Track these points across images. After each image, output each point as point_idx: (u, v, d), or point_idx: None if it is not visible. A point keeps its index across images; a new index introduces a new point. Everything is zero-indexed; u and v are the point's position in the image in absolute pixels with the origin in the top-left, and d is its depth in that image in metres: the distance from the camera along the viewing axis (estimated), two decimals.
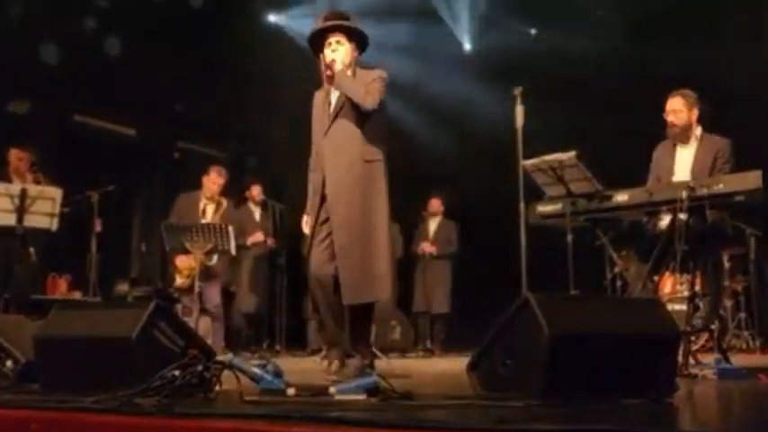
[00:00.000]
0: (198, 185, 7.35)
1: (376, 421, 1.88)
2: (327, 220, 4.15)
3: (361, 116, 4.19)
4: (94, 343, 2.81)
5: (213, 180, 7.19)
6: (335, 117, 4.22)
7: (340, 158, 4.16)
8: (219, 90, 9.28)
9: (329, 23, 4.26)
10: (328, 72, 4.17)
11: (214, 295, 7.03)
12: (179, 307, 6.96)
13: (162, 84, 8.80)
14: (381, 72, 4.26)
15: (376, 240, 4.11)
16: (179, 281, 6.84)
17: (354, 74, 4.26)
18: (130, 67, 8.52)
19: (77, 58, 8.29)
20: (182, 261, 6.84)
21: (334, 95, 4.30)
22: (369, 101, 4.13)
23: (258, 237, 8.24)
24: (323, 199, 4.18)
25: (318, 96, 4.42)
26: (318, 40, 4.28)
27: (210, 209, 7.16)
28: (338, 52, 4.21)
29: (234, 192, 8.13)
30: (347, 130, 4.20)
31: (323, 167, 4.19)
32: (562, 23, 9.63)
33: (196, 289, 6.56)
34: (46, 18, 7.95)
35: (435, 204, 8.92)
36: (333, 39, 4.23)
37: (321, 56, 4.26)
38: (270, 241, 8.35)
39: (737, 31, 8.38)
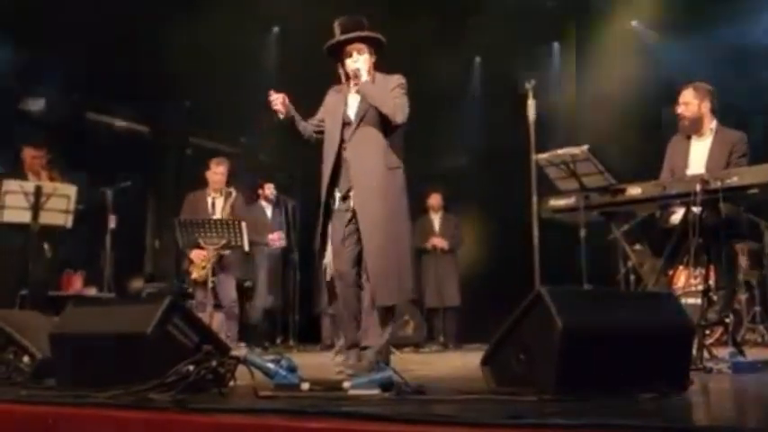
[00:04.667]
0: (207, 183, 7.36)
1: (390, 416, 1.89)
2: (350, 220, 4.23)
3: (384, 125, 4.26)
4: (109, 339, 2.83)
5: (213, 171, 7.16)
6: (358, 125, 4.28)
7: (365, 167, 4.23)
8: (230, 86, 9.29)
9: (351, 35, 4.31)
10: (354, 81, 4.27)
11: (230, 290, 7.02)
12: (193, 302, 6.99)
13: (174, 80, 8.82)
14: (401, 78, 4.34)
15: (402, 246, 4.26)
16: (195, 274, 6.84)
17: (374, 79, 4.33)
18: (141, 64, 8.55)
19: (91, 56, 8.32)
20: (196, 254, 6.85)
21: (353, 100, 4.36)
22: (399, 115, 4.23)
23: (275, 237, 8.28)
24: (338, 196, 4.25)
25: (333, 96, 4.47)
26: (336, 46, 4.36)
27: (219, 202, 7.13)
28: (359, 62, 4.29)
29: (246, 187, 8.14)
30: (371, 138, 4.26)
31: (347, 175, 4.25)
32: None
33: (209, 284, 6.57)
34: (55, 16, 7.98)
35: (437, 199, 8.93)
36: (353, 48, 4.31)
37: (341, 63, 4.35)
38: (283, 242, 8.39)
39: None
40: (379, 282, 4.11)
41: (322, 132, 4.46)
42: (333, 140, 4.32)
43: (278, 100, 4.28)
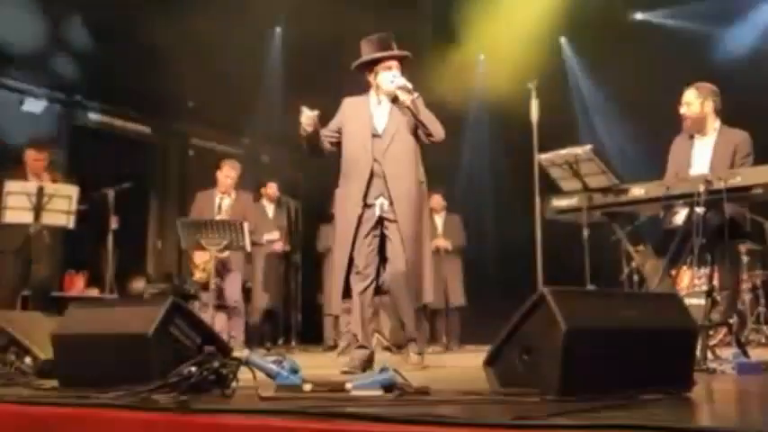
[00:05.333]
0: (212, 182, 7.39)
1: (393, 417, 1.88)
2: (375, 227, 4.51)
3: (415, 140, 4.57)
4: (112, 340, 2.83)
5: (226, 174, 7.22)
6: (392, 139, 4.52)
7: (402, 181, 4.50)
8: (233, 87, 9.29)
9: (397, 53, 4.60)
10: (406, 95, 4.48)
11: (234, 290, 7.05)
12: (197, 303, 7.00)
13: (176, 81, 8.83)
14: (420, 98, 4.59)
15: (427, 254, 4.65)
16: (198, 275, 6.86)
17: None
18: (145, 64, 8.55)
19: (92, 55, 8.33)
20: (199, 256, 6.86)
21: (381, 112, 4.57)
22: (441, 133, 4.56)
23: (275, 235, 8.30)
24: (366, 204, 4.51)
25: (354, 107, 4.64)
26: (371, 61, 4.62)
27: (226, 203, 7.18)
28: (399, 78, 4.52)
29: (248, 188, 8.15)
30: (406, 152, 4.55)
31: (377, 186, 4.49)
32: None
33: (211, 285, 6.58)
34: (60, 15, 7.99)
35: (437, 200, 8.92)
36: (392, 65, 4.58)
37: (374, 73, 4.59)
38: (284, 245, 8.43)
39: None
40: (409, 288, 4.47)
41: (336, 144, 4.64)
42: (362, 153, 4.52)
43: (310, 119, 4.43)
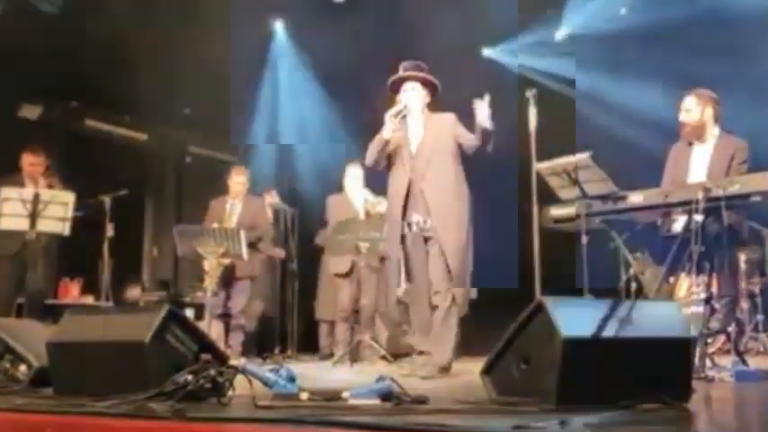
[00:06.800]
0: (208, 190, 7.40)
1: (390, 426, 1.87)
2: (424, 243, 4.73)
3: (454, 157, 4.76)
4: (108, 347, 2.81)
5: (234, 180, 7.26)
6: (428, 160, 4.71)
7: (440, 197, 4.67)
8: (229, 94, 9.28)
9: (407, 74, 4.89)
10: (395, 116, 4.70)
11: (240, 300, 7.02)
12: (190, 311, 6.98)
13: (172, 87, 8.83)
14: (454, 116, 4.81)
15: (468, 267, 4.83)
16: (207, 282, 6.82)
17: (427, 118, 4.81)
18: (141, 72, 8.55)
19: (88, 62, 8.32)
20: (208, 263, 6.83)
21: (415, 132, 4.81)
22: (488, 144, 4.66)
23: (279, 252, 8.38)
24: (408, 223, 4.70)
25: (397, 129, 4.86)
26: (398, 84, 4.90)
27: (237, 208, 7.20)
28: (412, 96, 4.79)
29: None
30: (443, 170, 4.71)
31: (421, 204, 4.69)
32: None
33: (209, 293, 6.56)
34: (57, 21, 7.98)
35: None
36: (408, 85, 4.84)
37: (398, 98, 4.88)
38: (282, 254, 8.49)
39: None
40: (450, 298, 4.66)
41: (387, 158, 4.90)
42: (401, 171, 4.76)
43: (396, 116, 4.71)
